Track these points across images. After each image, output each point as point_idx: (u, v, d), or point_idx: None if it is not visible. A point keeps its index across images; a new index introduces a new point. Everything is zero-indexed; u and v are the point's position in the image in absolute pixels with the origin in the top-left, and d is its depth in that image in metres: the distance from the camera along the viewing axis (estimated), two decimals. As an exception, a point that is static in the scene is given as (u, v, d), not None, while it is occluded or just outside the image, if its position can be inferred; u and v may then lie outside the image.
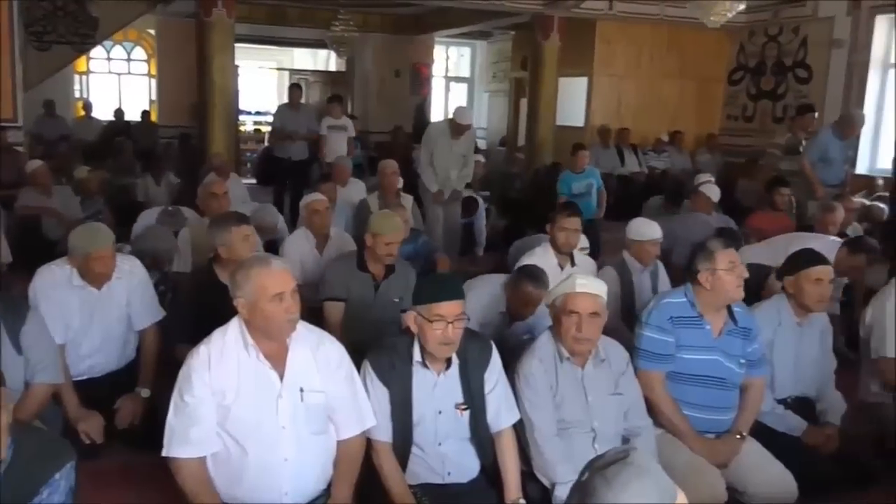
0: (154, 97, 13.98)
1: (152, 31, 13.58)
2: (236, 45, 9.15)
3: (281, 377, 2.35)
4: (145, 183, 7.91)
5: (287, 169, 8.47)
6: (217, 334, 2.38)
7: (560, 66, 10.43)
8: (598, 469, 1.46)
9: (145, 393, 3.43)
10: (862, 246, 4.45)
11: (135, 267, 3.57)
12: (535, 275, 3.63)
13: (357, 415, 2.48)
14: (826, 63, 9.67)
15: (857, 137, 7.37)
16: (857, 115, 6.99)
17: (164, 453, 2.30)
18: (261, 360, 2.33)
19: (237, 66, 10.20)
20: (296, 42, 15.01)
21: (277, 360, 2.36)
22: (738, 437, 3.02)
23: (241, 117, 14.19)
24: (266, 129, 14.06)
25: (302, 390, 2.36)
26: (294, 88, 9.16)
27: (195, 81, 9.21)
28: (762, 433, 3.14)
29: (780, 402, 3.31)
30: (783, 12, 10.22)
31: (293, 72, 15.48)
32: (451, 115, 6.70)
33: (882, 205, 7.49)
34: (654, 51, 11.11)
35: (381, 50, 13.70)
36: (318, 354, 2.42)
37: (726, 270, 2.96)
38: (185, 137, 10.75)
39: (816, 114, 7.85)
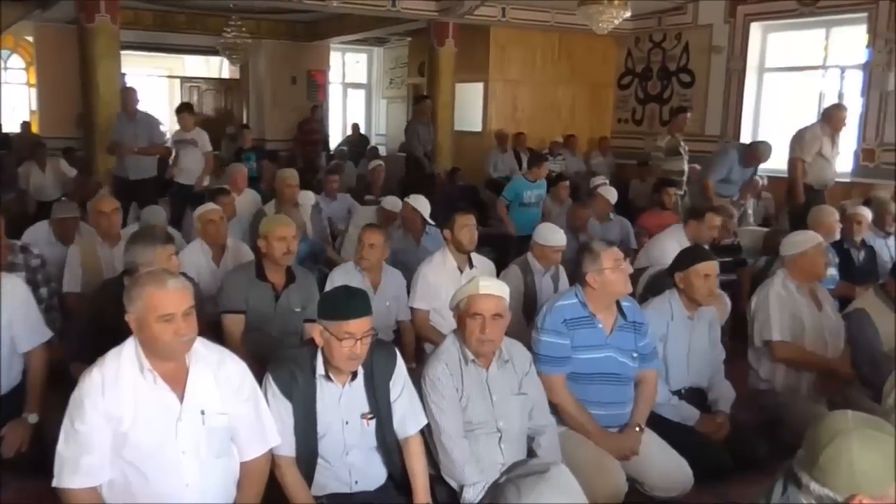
0: (34, 107, 13.27)
1: (30, 38, 12.91)
2: (123, 52, 8.80)
3: (180, 399, 2.27)
4: (28, 169, 7.46)
5: (129, 190, 6.98)
6: (111, 356, 2.27)
7: (456, 71, 10.56)
8: (514, 477, 1.49)
9: (33, 418, 3.24)
10: (695, 211, 5.28)
11: (16, 286, 3.37)
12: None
13: (260, 435, 2.42)
14: (707, 68, 10.15)
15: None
16: (765, 147, 7.22)
17: (54, 484, 2.19)
18: (158, 383, 2.25)
19: (124, 74, 9.79)
20: (186, 49, 14.57)
21: (176, 381, 2.28)
22: (637, 429, 3.13)
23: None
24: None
25: (203, 413, 2.29)
26: (128, 92, 7.61)
27: (79, 90, 8.79)
28: (658, 424, 3.27)
29: (674, 393, 3.46)
30: (666, 20, 10.66)
31: (184, 79, 15.02)
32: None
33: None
34: (546, 57, 11.38)
35: (275, 57, 13.48)
36: (219, 374, 2.34)
37: (612, 269, 3.07)
38: (70, 150, 10.26)
39: (689, 114, 8.36)
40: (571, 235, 4.82)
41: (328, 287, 3.83)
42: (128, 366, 2.25)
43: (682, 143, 7.97)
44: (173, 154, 7.89)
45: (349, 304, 2.48)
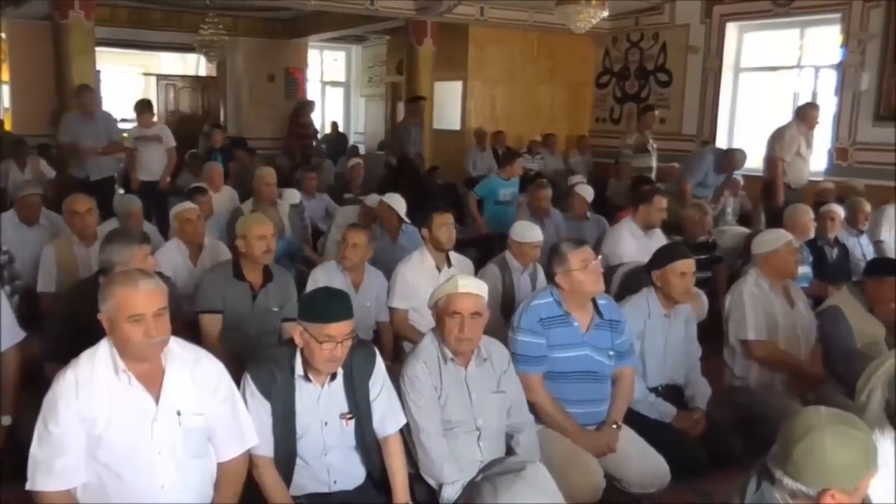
0: (7, 105, 13.08)
1: (2, 35, 12.71)
2: (97, 48, 8.70)
3: (156, 400, 2.24)
4: (7, 167, 7.38)
5: (90, 191, 6.37)
6: (85, 357, 2.24)
7: (435, 70, 10.56)
8: (490, 475, 1.50)
9: (6, 420, 3.19)
10: (643, 196, 5.36)
11: (-12, 287, 3.34)
12: None
13: (238, 435, 2.40)
14: (684, 68, 10.23)
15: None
16: (741, 155, 7.29)
17: (28, 487, 2.16)
18: (133, 384, 2.22)
19: (99, 71, 9.67)
20: (162, 46, 14.43)
21: (151, 382, 2.25)
22: (614, 426, 3.15)
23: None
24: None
25: (179, 413, 2.26)
26: (84, 91, 7.25)
27: (53, 87, 8.68)
28: (636, 421, 3.29)
29: (651, 390, 3.49)
30: (643, 19, 10.73)
31: (160, 77, 14.89)
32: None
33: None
34: (525, 56, 11.40)
35: (253, 54, 13.38)
36: (195, 374, 2.32)
37: (580, 269, 3.08)
38: (45, 147, 10.11)
39: (657, 112, 8.59)
40: (537, 222, 4.84)
41: (310, 286, 3.83)
42: (102, 366, 2.22)
43: (651, 141, 8.07)
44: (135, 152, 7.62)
45: (330, 306, 2.46)
